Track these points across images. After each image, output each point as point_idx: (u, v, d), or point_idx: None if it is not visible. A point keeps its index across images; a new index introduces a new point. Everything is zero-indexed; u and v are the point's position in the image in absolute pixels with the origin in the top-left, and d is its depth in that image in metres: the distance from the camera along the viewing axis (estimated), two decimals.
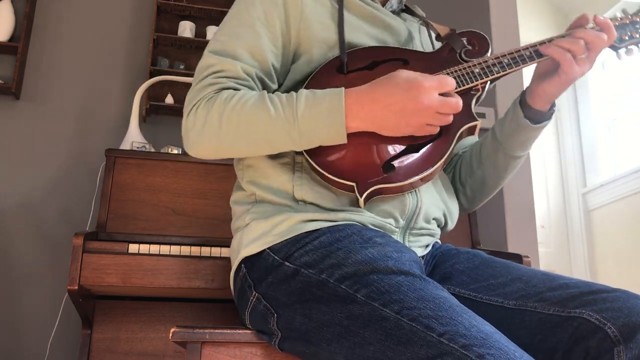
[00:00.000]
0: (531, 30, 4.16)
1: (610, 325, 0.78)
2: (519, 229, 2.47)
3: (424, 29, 1.18)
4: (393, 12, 1.13)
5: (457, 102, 0.87)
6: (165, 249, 1.55)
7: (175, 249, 1.57)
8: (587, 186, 4.24)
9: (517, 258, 1.76)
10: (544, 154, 4.39)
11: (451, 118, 0.89)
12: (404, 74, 0.88)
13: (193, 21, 2.50)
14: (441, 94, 0.88)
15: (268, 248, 0.92)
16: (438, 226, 1.06)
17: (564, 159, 4.42)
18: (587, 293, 0.84)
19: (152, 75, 2.34)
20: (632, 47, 1.05)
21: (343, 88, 0.90)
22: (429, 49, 1.14)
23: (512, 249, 2.43)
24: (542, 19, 4.41)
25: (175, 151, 1.89)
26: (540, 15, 4.38)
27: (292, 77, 1.01)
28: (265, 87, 0.99)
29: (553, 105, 1.04)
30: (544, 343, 0.84)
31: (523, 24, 3.41)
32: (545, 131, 4.43)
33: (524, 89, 1.06)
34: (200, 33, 2.50)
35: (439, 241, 1.12)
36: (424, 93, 0.86)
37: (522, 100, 1.05)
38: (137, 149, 1.87)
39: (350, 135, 0.89)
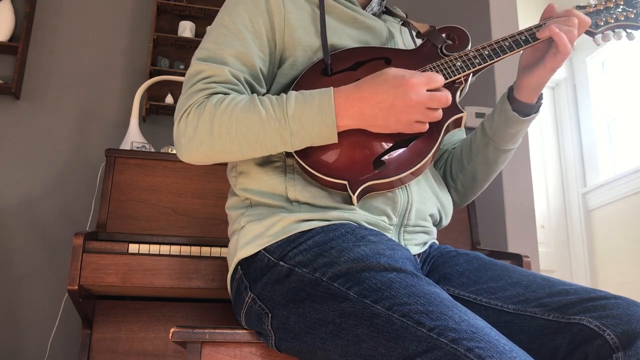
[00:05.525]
0: None
1: (609, 332, 0.78)
2: (519, 229, 2.47)
3: (405, 29, 1.19)
4: (374, 14, 1.14)
5: (447, 96, 0.88)
6: (165, 249, 1.55)
7: (175, 249, 1.57)
8: (587, 186, 4.24)
9: (517, 258, 1.76)
10: (544, 154, 4.39)
11: (440, 113, 0.89)
12: (392, 71, 0.88)
13: (193, 21, 2.50)
14: (429, 91, 0.88)
15: (263, 249, 0.93)
16: (433, 223, 1.07)
17: (564, 159, 4.42)
18: (586, 299, 0.84)
19: (152, 75, 2.34)
20: (608, 32, 1.08)
21: (332, 87, 0.90)
22: (410, 47, 1.15)
23: (512, 249, 2.42)
24: None
25: (175, 151, 1.89)
26: (540, 15, 4.38)
27: (278, 81, 1.02)
28: (254, 91, 1.00)
29: (540, 97, 1.06)
30: (543, 348, 0.84)
31: (523, 23, 3.41)
32: (546, 131, 4.44)
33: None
34: (200, 33, 2.50)
35: (437, 242, 1.12)
36: (412, 89, 0.86)
37: (510, 94, 1.06)
38: (137, 149, 1.87)
39: (339, 134, 0.90)
